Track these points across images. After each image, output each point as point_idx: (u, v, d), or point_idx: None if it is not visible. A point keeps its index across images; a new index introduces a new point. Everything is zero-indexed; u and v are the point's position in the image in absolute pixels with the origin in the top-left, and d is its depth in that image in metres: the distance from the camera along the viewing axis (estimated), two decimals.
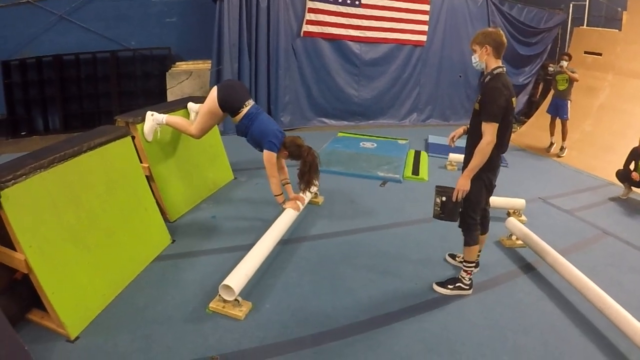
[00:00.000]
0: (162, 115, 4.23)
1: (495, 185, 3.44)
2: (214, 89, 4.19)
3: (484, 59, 3.13)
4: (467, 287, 3.49)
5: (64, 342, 2.71)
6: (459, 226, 3.42)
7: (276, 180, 4.21)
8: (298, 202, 4.30)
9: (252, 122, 4.16)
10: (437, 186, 3.34)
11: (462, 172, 3.25)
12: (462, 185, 3.17)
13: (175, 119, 4.33)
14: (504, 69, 3.12)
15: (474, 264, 3.46)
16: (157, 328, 2.89)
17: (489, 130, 3.00)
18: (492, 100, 2.99)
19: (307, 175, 4.14)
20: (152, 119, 4.17)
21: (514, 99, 3.08)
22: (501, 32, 3.14)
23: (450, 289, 3.48)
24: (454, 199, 3.20)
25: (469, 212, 3.32)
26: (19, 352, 2.16)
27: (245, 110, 4.16)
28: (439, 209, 3.32)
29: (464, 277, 3.47)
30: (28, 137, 7.67)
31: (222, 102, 4.12)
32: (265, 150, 4.10)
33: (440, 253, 4.01)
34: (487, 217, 3.62)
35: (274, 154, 4.11)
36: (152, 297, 3.21)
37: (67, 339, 2.72)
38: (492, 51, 3.08)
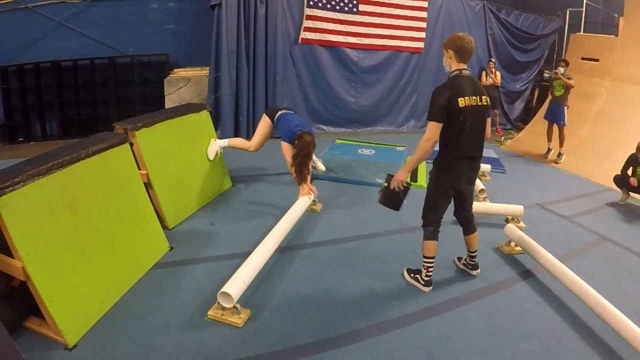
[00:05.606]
0: (223, 140, 5.42)
1: (463, 192, 3.47)
2: (264, 115, 5.50)
3: (447, 63, 3.30)
4: (423, 284, 3.56)
5: (61, 350, 2.69)
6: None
7: (290, 165, 4.88)
8: (311, 192, 4.85)
9: (279, 121, 5.20)
10: (387, 173, 3.50)
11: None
12: (399, 175, 3.36)
13: (234, 141, 5.60)
14: (463, 71, 3.23)
15: (431, 261, 3.51)
16: (155, 336, 2.87)
17: (429, 128, 3.17)
18: (432, 100, 3.17)
19: (297, 159, 4.74)
20: (215, 144, 5.27)
21: (462, 99, 3.11)
22: (468, 37, 3.24)
23: (410, 276, 3.64)
24: (391, 187, 3.38)
25: (425, 210, 3.52)
26: None
27: (276, 115, 5.27)
28: (379, 193, 3.54)
29: (421, 273, 3.57)
30: (25, 143, 7.66)
31: (269, 116, 5.38)
32: (282, 142, 5.01)
33: (438, 260, 3.98)
34: (463, 219, 3.67)
35: (287, 144, 4.97)
36: (150, 304, 3.19)
37: (65, 347, 2.70)
38: (453, 55, 3.24)
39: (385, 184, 3.47)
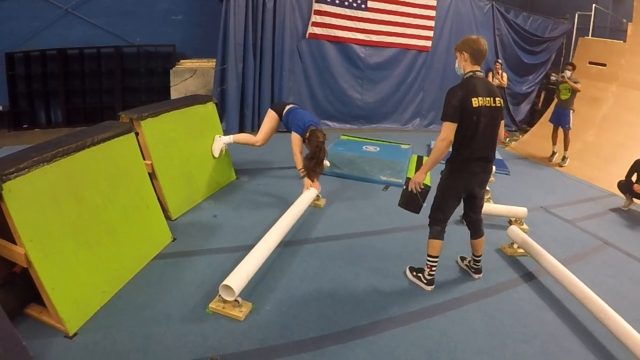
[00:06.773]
0: (228, 136, 5.37)
1: (475, 195, 3.47)
2: (269, 110, 5.52)
3: (462, 65, 3.32)
4: (425, 283, 3.57)
5: (62, 338, 2.69)
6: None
7: (298, 158, 4.96)
8: (313, 187, 4.80)
9: (289, 115, 5.24)
10: (407, 177, 3.48)
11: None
12: (416, 177, 3.39)
13: (239, 137, 5.53)
14: (477, 73, 3.24)
15: (435, 260, 3.51)
16: (156, 327, 2.87)
17: (444, 128, 3.17)
18: (446, 101, 3.18)
19: (314, 160, 4.80)
20: (220, 140, 5.25)
21: (476, 99, 3.12)
22: (482, 40, 3.25)
23: (413, 275, 3.65)
24: (409, 189, 3.41)
25: (433, 209, 3.52)
26: (17, 347, 2.14)
27: (285, 110, 5.32)
28: (400, 196, 3.59)
29: (424, 272, 3.58)
30: (30, 130, 7.67)
31: (275, 111, 5.42)
32: (292, 132, 5.05)
33: (441, 259, 3.97)
34: (472, 222, 3.66)
35: (298, 136, 4.96)
36: (151, 295, 3.19)
37: (65, 335, 2.70)
38: (469, 57, 3.26)
39: (404, 187, 3.48)
